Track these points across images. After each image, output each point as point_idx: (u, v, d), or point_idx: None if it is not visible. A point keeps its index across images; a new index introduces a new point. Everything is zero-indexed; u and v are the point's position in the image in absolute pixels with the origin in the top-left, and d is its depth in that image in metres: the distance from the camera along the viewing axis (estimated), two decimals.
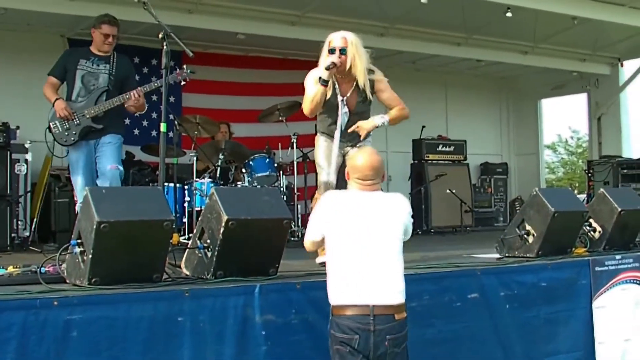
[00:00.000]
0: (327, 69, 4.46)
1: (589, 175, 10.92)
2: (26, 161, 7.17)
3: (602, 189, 5.44)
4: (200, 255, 3.68)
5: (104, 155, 5.33)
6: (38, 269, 3.56)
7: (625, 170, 10.47)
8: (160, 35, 4.43)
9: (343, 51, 4.50)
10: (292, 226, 7.58)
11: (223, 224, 3.50)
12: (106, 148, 5.35)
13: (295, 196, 8.03)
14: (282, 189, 7.58)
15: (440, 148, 10.59)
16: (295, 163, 8.04)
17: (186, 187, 7.03)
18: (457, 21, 9.32)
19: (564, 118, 37.66)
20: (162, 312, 3.19)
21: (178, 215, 6.73)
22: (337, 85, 4.67)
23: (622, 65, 11.72)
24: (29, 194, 7.26)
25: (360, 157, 3.40)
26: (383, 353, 3.11)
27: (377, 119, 4.67)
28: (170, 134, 6.13)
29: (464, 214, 9.98)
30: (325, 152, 4.79)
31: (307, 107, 4.62)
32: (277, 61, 10.22)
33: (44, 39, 8.55)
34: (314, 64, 4.68)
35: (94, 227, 3.17)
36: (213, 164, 7.29)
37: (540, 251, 4.77)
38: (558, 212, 4.69)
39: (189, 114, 7.87)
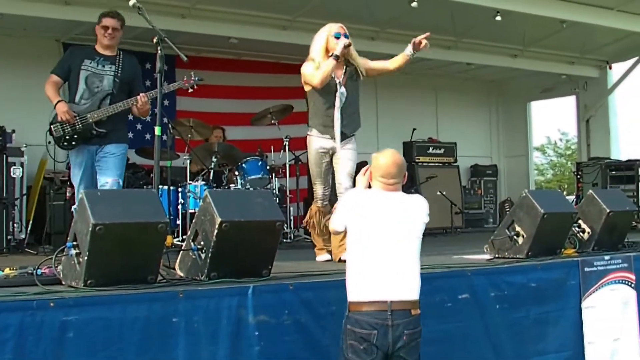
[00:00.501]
0: (346, 47, 5.00)
1: (578, 177, 10.95)
2: (22, 164, 7.19)
3: (591, 191, 5.48)
4: (194, 257, 3.71)
5: (106, 167, 5.12)
6: (34, 271, 3.59)
7: (613, 172, 10.54)
8: (154, 40, 4.45)
9: (347, 36, 5.09)
10: (285, 228, 7.63)
11: (217, 226, 3.53)
12: (109, 159, 5.12)
13: (288, 198, 8.08)
14: (274, 191, 7.62)
15: (430, 150, 10.66)
16: (287, 165, 8.07)
17: (180, 189, 7.06)
18: (447, 25, 9.37)
19: (553, 120, 37.97)
20: (157, 312, 3.22)
21: (172, 217, 6.76)
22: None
23: (610, 68, 11.79)
24: (24, 197, 7.27)
25: (383, 157, 3.46)
26: (401, 347, 3.18)
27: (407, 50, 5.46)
28: (164, 137, 6.13)
29: (454, 215, 10.03)
30: (317, 162, 5.20)
31: (317, 78, 5.01)
32: (269, 65, 10.26)
33: (39, 44, 8.59)
34: None
35: (90, 229, 3.19)
36: (206, 167, 7.33)
37: (529, 252, 4.79)
38: (547, 214, 4.72)
39: (182, 117, 7.90)
